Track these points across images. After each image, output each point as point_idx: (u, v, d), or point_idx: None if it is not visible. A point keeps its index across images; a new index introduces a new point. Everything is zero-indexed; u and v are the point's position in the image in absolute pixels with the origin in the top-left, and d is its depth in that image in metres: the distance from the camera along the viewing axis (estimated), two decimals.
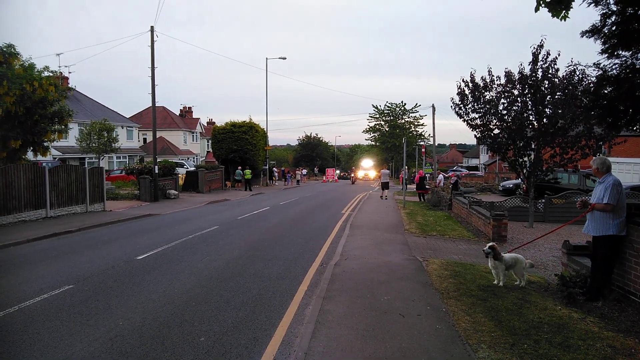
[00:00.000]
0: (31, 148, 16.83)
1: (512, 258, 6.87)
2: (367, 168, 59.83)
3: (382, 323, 5.36)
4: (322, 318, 5.55)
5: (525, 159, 14.55)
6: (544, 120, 13.93)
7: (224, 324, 5.56)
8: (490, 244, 6.96)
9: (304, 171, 53.27)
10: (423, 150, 46.66)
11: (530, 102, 14.03)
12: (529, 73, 13.80)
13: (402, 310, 5.81)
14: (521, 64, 13.95)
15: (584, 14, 6.52)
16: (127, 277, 7.76)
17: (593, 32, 6.29)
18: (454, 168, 65.88)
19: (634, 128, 7.25)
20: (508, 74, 14.33)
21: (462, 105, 15.41)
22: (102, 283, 7.40)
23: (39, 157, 18.89)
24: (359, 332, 5.10)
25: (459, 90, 15.33)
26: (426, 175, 29.63)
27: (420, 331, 5.09)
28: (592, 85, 9.92)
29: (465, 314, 5.54)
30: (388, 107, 65.77)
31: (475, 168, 65.91)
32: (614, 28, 6.07)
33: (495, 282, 6.90)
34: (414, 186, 32.90)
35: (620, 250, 5.80)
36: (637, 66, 6.14)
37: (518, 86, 14.13)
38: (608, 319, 5.32)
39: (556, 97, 13.57)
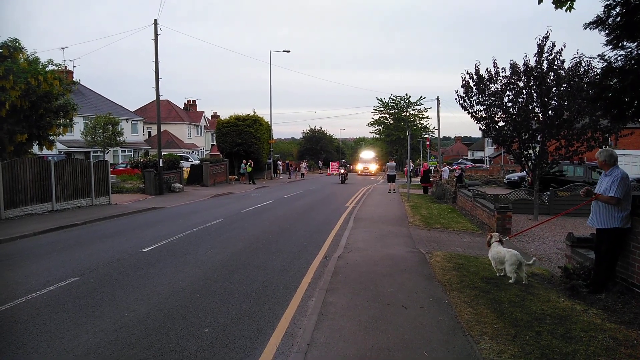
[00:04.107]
0: (37, 142, 16.93)
1: (497, 253, 6.83)
2: (368, 160, 52.60)
3: (385, 315, 5.39)
4: (325, 310, 5.58)
5: (531, 151, 14.49)
6: (550, 112, 13.85)
7: (228, 315, 5.61)
8: (493, 233, 7.05)
9: (304, 164, 52.18)
10: (428, 143, 46.47)
11: (535, 94, 13.94)
12: (534, 65, 13.70)
13: (405, 302, 5.84)
14: (526, 56, 13.87)
15: (585, 6, 6.46)
16: (132, 270, 7.83)
17: (597, 23, 6.22)
18: (459, 161, 65.61)
19: None
20: (513, 66, 14.23)
21: (466, 98, 15.34)
22: (107, 275, 7.47)
23: (45, 151, 19.02)
24: (361, 323, 5.13)
25: (464, 82, 15.25)
26: (431, 168, 29.60)
27: (422, 323, 5.12)
28: (597, 77, 9.83)
29: (468, 306, 5.56)
30: (392, 100, 65.64)
31: (480, 161, 65.63)
32: (618, 19, 6.00)
33: (497, 274, 6.91)
34: (418, 179, 32.86)
35: (625, 243, 5.79)
36: None
37: (523, 78, 14.03)
38: (611, 311, 5.32)
39: (562, 89, 13.48)
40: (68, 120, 17.69)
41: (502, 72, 14.51)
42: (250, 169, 33.43)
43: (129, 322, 5.35)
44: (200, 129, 63.65)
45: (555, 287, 6.39)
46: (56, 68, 17.13)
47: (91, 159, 24.66)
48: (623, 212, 5.65)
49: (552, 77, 13.61)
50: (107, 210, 16.47)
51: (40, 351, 4.60)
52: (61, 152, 33.48)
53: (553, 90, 13.65)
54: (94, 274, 7.52)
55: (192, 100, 65.83)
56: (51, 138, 17.33)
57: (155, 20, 22.90)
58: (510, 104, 14.45)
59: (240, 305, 6.01)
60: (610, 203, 5.68)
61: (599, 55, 6.47)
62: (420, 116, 65.61)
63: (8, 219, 13.50)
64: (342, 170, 36.39)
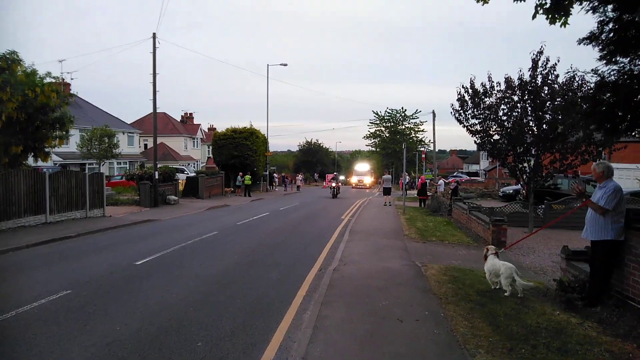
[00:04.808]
0: (32, 154, 16.84)
1: (493, 265, 6.85)
2: (362, 173, 51.73)
3: (380, 328, 5.35)
4: (320, 323, 5.53)
5: (525, 164, 14.54)
6: (544, 126, 13.93)
7: (222, 329, 5.55)
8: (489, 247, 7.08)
9: (300, 177, 51.87)
10: (423, 156, 46.63)
11: (530, 108, 14.04)
12: (528, 79, 13.83)
13: (401, 315, 5.80)
14: (520, 70, 13.98)
15: (579, 22, 6.57)
16: (125, 283, 7.75)
17: (590, 39, 6.31)
18: (454, 174, 65.83)
19: (633, 134, 7.26)
20: (508, 80, 14.35)
21: (462, 111, 15.42)
22: (100, 288, 7.39)
23: (40, 163, 18.91)
24: (356, 337, 5.09)
25: (459, 96, 15.35)
26: (427, 181, 29.68)
27: (418, 336, 5.08)
28: (591, 91, 9.93)
29: (464, 319, 5.53)
30: (388, 113, 65.86)
31: (476, 174, 65.88)
32: (611, 35, 6.09)
33: (493, 287, 6.89)
34: (413, 192, 32.91)
35: (619, 256, 5.79)
36: (635, 72, 6.15)
37: (518, 92, 14.14)
38: (606, 324, 5.30)
39: (556, 103, 13.59)
40: (64, 133, 17.64)
41: (497, 86, 14.63)
42: (250, 182, 33.36)
43: (121, 336, 5.28)
44: (197, 142, 63.65)
45: (551, 300, 6.38)
46: (54, 80, 17.11)
47: (87, 171, 24.53)
48: (617, 224, 5.67)
49: (546, 91, 13.72)
50: (102, 222, 16.36)
51: None
52: (57, 163, 33.33)
53: (547, 104, 13.75)
54: (86, 287, 7.44)
55: (189, 113, 65.95)
56: (47, 150, 17.26)
57: (154, 34, 23.05)
58: (505, 118, 14.54)
59: (235, 318, 5.95)
60: (597, 212, 5.72)
61: (592, 70, 6.55)
62: (416, 129, 65.79)
63: (1, 232, 13.37)
64: (333, 184, 32.97)
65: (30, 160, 18.02)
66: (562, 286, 6.35)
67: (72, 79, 41.74)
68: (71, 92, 32.46)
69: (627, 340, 4.78)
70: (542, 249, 11.73)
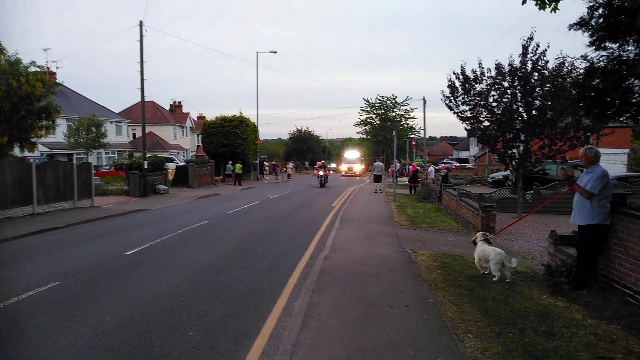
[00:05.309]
0: (18, 144, 16.58)
1: (482, 251, 6.90)
2: (352, 161, 50.58)
3: (371, 315, 5.39)
4: (311, 310, 5.56)
5: (514, 150, 14.64)
6: (533, 112, 14.01)
7: (213, 318, 5.55)
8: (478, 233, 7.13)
9: (291, 165, 51.61)
10: (414, 143, 46.69)
11: (519, 94, 14.09)
12: (518, 65, 13.85)
13: (391, 301, 5.84)
14: (511, 56, 13.99)
15: (569, 8, 6.54)
16: (115, 273, 7.71)
17: (580, 24, 6.31)
18: (444, 160, 66.12)
19: (621, 119, 7.32)
20: (498, 66, 14.35)
21: (452, 98, 15.44)
22: (89, 279, 7.34)
23: (26, 153, 18.66)
24: (347, 323, 5.12)
25: (450, 82, 15.34)
26: (418, 168, 29.74)
27: (408, 322, 5.12)
28: (580, 77, 9.97)
29: (453, 304, 5.58)
30: (379, 100, 65.77)
31: (466, 160, 66.16)
32: (601, 20, 6.09)
33: (482, 272, 6.96)
34: (404, 179, 33.02)
35: (605, 240, 5.87)
36: (624, 58, 6.18)
37: (508, 78, 14.17)
38: (592, 307, 5.40)
39: (545, 88, 13.64)
40: (50, 122, 17.36)
41: (487, 72, 14.63)
42: (241, 171, 33.23)
43: (111, 327, 5.26)
44: (186, 130, 63.14)
45: (538, 285, 6.46)
46: (38, 69, 16.79)
47: (74, 161, 24.24)
48: (603, 209, 5.74)
49: (536, 77, 13.76)
50: (90, 212, 16.22)
51: (18, 358, 4.50)
52: (43, 154, 32.90)
53: (537, 90, 13.81)
54: (75, 278, 7.38)
55: (178, 102, 65.26)
56: (33, 140, 16.98)
57: (141, 22, 22.66)
58: (495, 104, 14.58)
59: (226, 307, 5.95)
60: (584, 196, 5.80)
61: (582, 56, 6.57)
62: (407, 116, 65.84)
63: None
64: (321, 172, 31.03)
65: (17, 151, 17.74)
66: (550, 270, 6.44)
67: (57, 68, 41.16)
68: (57, 81, 31.85)
69: (611, 323, 4.87)
70: (530, 234, 11.87)
